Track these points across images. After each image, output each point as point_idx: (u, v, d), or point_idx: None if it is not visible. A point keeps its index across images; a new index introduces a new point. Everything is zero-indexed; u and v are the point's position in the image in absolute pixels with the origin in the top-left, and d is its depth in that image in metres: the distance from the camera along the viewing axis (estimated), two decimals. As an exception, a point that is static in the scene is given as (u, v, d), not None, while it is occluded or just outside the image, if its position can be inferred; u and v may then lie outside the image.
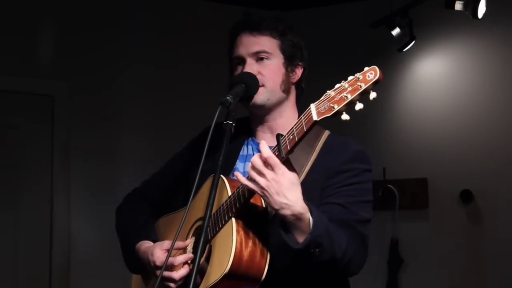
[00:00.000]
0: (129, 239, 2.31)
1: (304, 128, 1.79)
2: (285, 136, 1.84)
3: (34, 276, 4.58)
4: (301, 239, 1.84)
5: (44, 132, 4.68)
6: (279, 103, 2.17)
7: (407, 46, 4.61)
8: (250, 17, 2.24)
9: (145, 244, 2.21)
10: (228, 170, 2.14)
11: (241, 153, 2.21)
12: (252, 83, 2.11)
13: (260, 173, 1.82)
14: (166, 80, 5.05)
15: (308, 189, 1.91)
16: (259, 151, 1.90)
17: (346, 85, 1.74)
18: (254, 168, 1.84)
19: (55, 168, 4.66)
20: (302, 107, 2.24)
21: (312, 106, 1.79)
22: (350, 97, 1.72)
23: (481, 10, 4.12)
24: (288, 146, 1.82)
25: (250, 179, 1.86)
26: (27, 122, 4.66)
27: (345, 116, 1.73)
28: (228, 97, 1.98)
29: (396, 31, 4.57)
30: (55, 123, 4.70)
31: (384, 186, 4.77)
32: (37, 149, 4.66)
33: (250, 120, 2.24)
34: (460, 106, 4.86)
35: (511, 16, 4.73)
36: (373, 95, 1.71)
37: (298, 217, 1.83)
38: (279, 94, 2.16)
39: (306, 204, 1.85)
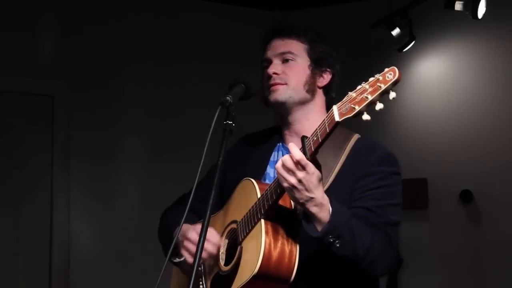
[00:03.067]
0: (170, 228, 2.29)
1: (327, 129, 1.83)
2: (309, 138, 1.89)
3: (34, 276, 4.58)
4: (320, 228, 1.90)
5: (44, 132, 4.68)
6: (303, 103, 2.22)
7: (407, 46, 4.60)
8: (281, 24, 2.31)
9: (184, 226, 2.20)
10: (260, 175, 2.21)
11: (271, 159, 2.27)
12: (252, 83, 2.13)
13: (291, 172, 1.86)
14: (166, 80, 5.05)
15: (337, 192, 1.98)
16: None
17: (367, 86, 1.79)
18: (285, 167, 1.87)
19: (55, 168, 4.66)
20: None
21: (335, 108, 1.83)
22: (370, 98, 1.77)
23: (481, 10, 4.12)
24: (313, 148, 1.87)
25: (280, 177, 1.89)
26: (27, 122, 4.66)
27: (365, 116, 1.78)
28: (227, 97, 2.00)
29: (396, 31, 4.57)
30: (55, 123, 4.70)
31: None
32: (37, 149, 4.66)
33: (280, 126, 2.29)
34: (460, 106, 4.85)
35: (511, 16, 4.72)
36: (392, 94, 1.76)
37: (319, 208, 1.88)
38: (302, 93, 2.20)
39: (328, 197, 1.91)
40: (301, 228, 1.96)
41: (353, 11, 5.24)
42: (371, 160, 2.10)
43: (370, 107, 1.77)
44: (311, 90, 2.22)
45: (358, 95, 1.79)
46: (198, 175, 1.92)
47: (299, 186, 1.86)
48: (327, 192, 1.93)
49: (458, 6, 4.18)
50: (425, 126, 4.94)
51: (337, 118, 1.81)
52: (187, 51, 5.11)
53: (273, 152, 2.27)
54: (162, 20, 5.10)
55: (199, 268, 2.22)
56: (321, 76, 2.25)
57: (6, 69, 4.59)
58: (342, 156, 2.09)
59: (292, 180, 1.86)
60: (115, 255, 4.72)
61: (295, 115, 2.22)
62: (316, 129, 1.86)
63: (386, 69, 1.79)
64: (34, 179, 4.65)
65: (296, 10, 5.31)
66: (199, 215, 2.27)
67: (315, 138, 1.86)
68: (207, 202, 1.86)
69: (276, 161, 2.17)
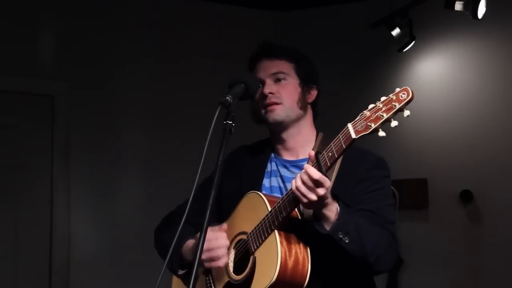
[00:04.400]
0: (174, 243, 2.30)
1: (344, 145, 1.96)
2: (323, 153, 2.00)
3: (34, 276, 4.58)
4: (329, 226, 2.04)
5: (44, 132, 4.68)
6: (297, 120, 2.33)
7: (407, 46, 4.60)
8: (267, 46, 2.44)
9: (193, 240, 2.30)
10: (257, 186, 2.32)
11: (267, 170, 2.37)
12: (251, 83, 2.16)
13: (312, 189, 1.98)
14: (166, 81, 5.05)
15: (337, 194, 2.10)
16: (284, 166, 2.29)
17: (381, 105, 1.92)
18: (306, 185, 1.98)
19: (55, 168, 4.66)
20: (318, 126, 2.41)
21: (350, 126, 1.95)
22: (386, 116, 1.90)
23: (481, 10, 4.12)
24: (328, 163, 1.99)
25: (300, 194, 2.00)
26: (27, 122, 4.66)
27: (381, 133, 1.92)
28: (227, 97, 2.02)
29: (396, 31, 4.57)
30: (55, 123, 4.70)
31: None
32: (37, 149, 4.66)
33: (271, 139, 2.40)
34: (460, 106, 4.85)
35: (511, 16, 4.72)
36: (407, 113, 1.91)
37: (328, 208, 2.03)
38: (297, 111, 2.32)
39: (334, 197, 2.07)
40: (310, 235, 2.09)
41: (353, 11, 5.24)
42: (366, 166, 2.25)
43: (385, 124, 1.91)
44: (303, 107, 2.34)
45: (372, 113, 1.91)
46: (198, 175, 1.92)
47: (320, 203, 2.00)
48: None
49: (458, 6, 4.18)
50: (425, 126, 4.94)
51: (353, 136, 1.93)
52: (187, 51, 5.11)
53: (268, 163, 2.38)
54: (162, 20, 5.10)
55: (207, 278, 2.30)
56: (309, 92, 2.37)
57: (6, 69, 4.59)
58: (336, 163, 2.16)
59: (313, 197, 1.98)
60: (115, 255, 4.72)
61: (290, 131, 2.34)
62: (331, 145, 1.98)
63: (398, 89, 1.91)
64: (34, 179, 4.65)
65: (296, 10, 5.31)
66: (195, 228, 2.31)
67: (330, 154, 1.98)
68: (204, 211, 1.90)
69: (271, 172, 2.36)
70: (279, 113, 2.29)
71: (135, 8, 5.03)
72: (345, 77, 5.10)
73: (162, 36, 5.08)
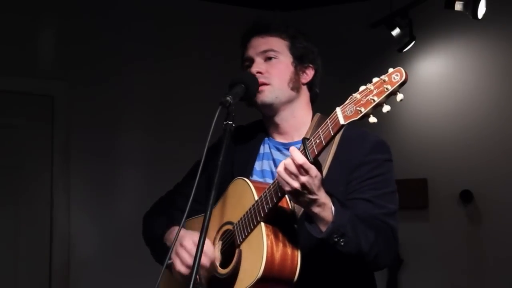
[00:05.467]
0: (159, 230, 2.27)
1: (331, 132, 1.79)
2: (311, 139, 1.85)
3: (34, 276, 4.58)
4: (324, 229, 1.88)
5: (44, 132, 4.68)
6: (289, 102, 2.19)
7: (407, 46, 4.60)
8: (260, 21, 2.27)
9: (175, 228, 2.18)
10: (248, 171, 2.18)
11: (260, 152, 2.23)
12: (251, 83, 2.13)
13: (294, 176, 1.83)
14: (166, 80, 5.05)
15: (333, 184, 1.94)
16: (277, 149, 2.10)
17: (372, 87, 1.74)
18: (287, 171, 1.84)
19: (55, 168, 4.66)
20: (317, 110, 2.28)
21: (338, 110, 1.79)
22: (377, 100, 1.72)
23: (481, 10, 4.12)
24: (316, 150, 1.83)
25: (282, 181, 1.86)
26: (27, 122, 4.66)
27: (372, 119, 1.74)
28: (228, 97, 1.99)
29: (396, 31, 4.57)
30: (55, 123, 4.70)
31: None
32: (37, 149, 4.66)
33: (264, 122, 2.26)
34: (460, 106, 4.85)
35: (511, 16, 4.72)
36: (400, 96, 1.73)
37: (322, 208, 1.87)
38: (288, 92, 2.18)
39: (329, 195, 1.89)
40: (301, 228, 1.95)
41: (353, 11, 5.24)
42: (364, 149, 2.08)
43: (376, 109, 1.73)
44: (295, 87, 2.19)
45: (362, 97, 1.75)
46: (198, 175, 1.91)
47: (303, 190, 1.84)
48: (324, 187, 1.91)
49: (458, 6, 4.18)
50: (425, 126, 4.94)
51: (342, 121, 1.77)
52: (187, 51, 5.11)
53: (261, 146, 2.24)
54: (161, 20, 5.10)
55: (197, 277, 2.15)
56: (304, 72, 2.22)
57: (6, 69, 4.59)
58: (332, 146, 2.05)
59: (295, 184, 1.83)
60: (115, 255, 4.71)
61: (282, 114, 2.19)
62: (319, 131, 1.83)
63: (391, 70, 1.74)
64: (34, 179, 4.65)
65: (296, 10, 5.30)
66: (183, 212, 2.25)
67: (317, 141, 1.82)
68: (205, 212, 1.84)
69: (263, 155, 2.21)
70: (267, 94, 2.14)
71: (135, 8, 5.03)
72: (345, 77, 5.08)
73: (161, 36, 5.07)
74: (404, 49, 4.62)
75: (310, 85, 2.24)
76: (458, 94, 4.88)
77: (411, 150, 4.92)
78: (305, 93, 2.23)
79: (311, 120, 2.21)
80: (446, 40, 4.93)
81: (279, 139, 2.22)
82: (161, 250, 2.18)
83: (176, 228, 2.16)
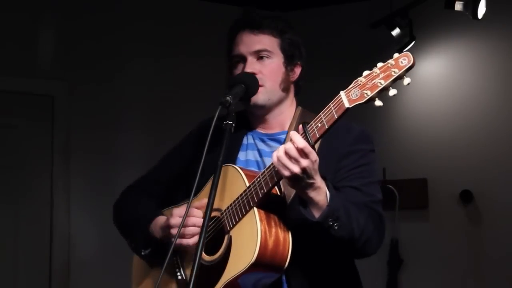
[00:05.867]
0: (140, 221, 2.26)
1: (335, 115, 1.79)
2: (311, 123, 1.84)
3: (34, 276, 4.58)
4: (319, 213, 1.88)
5: (44, 132, 4.68)
6: (279, 102, 2.20)
7: (407, 46, 4.60)
8: (251, 15, 2.25)
9: (161, 218, 2.18)
10: (232, 159, 2.15)
11: (244, 142, 2.23)
12: (252, 84, 2.13)
13: (294, 161, 1.82)
14: (166, 80, 5.04)
15: (322, 172, 1.92)
16: (261, 140, 2.12)
17: (378, 71, 1.75)
18: (287, 155, 1.82)
19: (55, 168, 4.66)
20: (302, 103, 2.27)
21: (342, 94, 1.78)
22: (383, 83, 1.73)
23: (481, 10, 4.12)
24: (317, 134, 1.82)
25: (281, 166, 1.84)
26: (27, 122, 4.66)
27: (378, 103, 1.74)
28: (228, 98, 2.00)
29: (396, 32, 4.57)
30: (55, 123, 4.70)
31: (384, 186, 4.76)
32: (37, 149, 4.66)
33: (248, 116, 2.25)
34: (460, 106, 4.85)
35: (511, 16, 4.72)
36: (407, 80, 1.73)
37: (317, 191, 1.86)
38: (279, 93, 2.19)
39: (324, 179, 1.89)
40: (291, 213, 1.95)
41: (353, 11, 5.24)
42: (349, 139, 2.09)
43: (382, 93, 1.73)
44: (286, 88, 2.20)
45: (368, 80, 1.75)
46: (198, 175, 1.90)
47: (302, 175, 1.83)
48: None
49: (458, 6, 4.18)
50: (425, 126, 4.94)
51: (347, 105, 1.76)
52: (187, 51, 5.10)
53: (244, 137, 2.23)
54: (162, 20, 5.10)
55: (174, 258, 2.15)
56: (293, 70, 2.22)
57: (6, 69, 4.59)
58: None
59: (296, 169, 1.81)
60: (115, 255, 4.69)
61: (271, 114, 2.20)
62: (320, 115, 1.82)
63: (397, 54, 1.75)
64: (34, 179, 4.64)
65: (296, 10, 5.30)
66: (159, 201, 2.27)
67: (319, 125, 1.82)
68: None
69: (247, 145, 2.21)
70: (260, 96, 2.13)
71: (135, 8, 5.03)
72: (345, 77, 5.07)
73: (162, 36, 5.07)
74: (404, 49, 4.61)
75: (296, 81, 2.25)
76: (458, 94, 4.87)
77: (411, 150, 4.92)
78: (292, 90, 2.25)
79: (294, 113, 2.22)
80: (446, 40, 4.93)
81: (263, 131, 2.22)
82: (142, 237, 2.19)
83: (160, 218, 2.16)
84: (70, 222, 4.66)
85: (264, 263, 1.91)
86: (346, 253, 2.06)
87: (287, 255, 1.94)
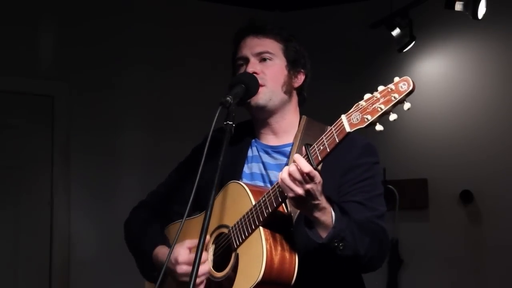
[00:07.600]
0: (145, 247, 2.27)
1: (336, 139, 1.80)
2: (314, 146, 1.85)
3: (34, 276, 4.58)
4: (324, 234, 1.89)
5: (44, 132, 4.68)
6: (281, 105, 2.20)
7: (407, 46, 4.60)
8: (255, 22, 2.27)
9: (163, 249, 2.20)
10: (237, 173, 2.19)
11: (249, 155, 2.23)
12: (252, 84, 2.13)
13: (298, 183, 1.84)
14: (166, 80, 5.05)
15: (326, 188, 1.94)
16: (265, 152, 2.12)
17: (378, 96, 1.76)
18: (291, 177, 1.84)
19: (55, 168, 4.66)
20: (306, 113, 2.29)
21: (344, 117, 1.80)
22: (384, 108, 1.75)
23: (481, 10, 4.12)
24: (319, 157, 1.83)
25: (285, 187, 1.86)
26: (27, 122, 4.67)
27: (379, 127, 1.76)
28: (228, 98, 2.00)
29: (396, 32, 4.57)
30: (55, 123, 4.70)
31: (384, 186, 4.75)
32: (37, 149, 4.66)
33: (253, 123, 2.27)
34: (460, 106, 4.86)
35: (511, 16, 4.72)
36: (407, 105, 1.74)
37: (322, 212, 1.88)
38: (281, 95, 2.19)
39: (329, 200, 1.91)
40: (297, 232, 1.97)
41: (353, 11, 5.24)
42: (354, 152, 2.10)
43: (382, 117, 1.75)
44: (288, 91, 2.20)
45: (369, 105, 1.76)
46: (198, 175, 1.90)
47: (307, 196, 1.85)
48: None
49: (458, 6, 4.18)
50: (425, 126, 4.94)
51: (348, 129, 1.78)
52: (187, 52, 5.11)
53: (249, 149, 2.24)
54: (162, 21, 5.10)
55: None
56: (296, 76, 2.23)
57: (6, 69, 4.59)
58: None
59: (300, 191, 1.83)
60: (115, 255, 4.70)
61: (274, 117, 2.21)
62: (322, 138, 1.83)
63: (398, 79, 1.76)
64: (34, 179, 4.65)
65: (295, 10, 5.31)
66: (164, 218, 2.29)
67: (321, 148, 1.83)
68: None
69: (253, 158, 2.21)
70: (261, 96, 2.14)
71: (135, 10, 5.03)
72: (345, 77, 5.10)
73: (162, 36, 5.07)
74: (404, 49, 4.62)
75: (299, 89, 2.26)
76: (458, 94, 4.88)
77: (411, 150, 4.93)
78: (295, 97, 2.25)
79: (299, 123, 2.23)
80: (446, 40, 4.93)
81: (267, 141, 2.23)
82: (148, 265, 2.24)
83: (163, 247, 2.19)
84: (70, 222, 4.67)
85: (270, 281, 1.93)
86: (352, 269, 2.08)
87: (294, 272, 1.95)
